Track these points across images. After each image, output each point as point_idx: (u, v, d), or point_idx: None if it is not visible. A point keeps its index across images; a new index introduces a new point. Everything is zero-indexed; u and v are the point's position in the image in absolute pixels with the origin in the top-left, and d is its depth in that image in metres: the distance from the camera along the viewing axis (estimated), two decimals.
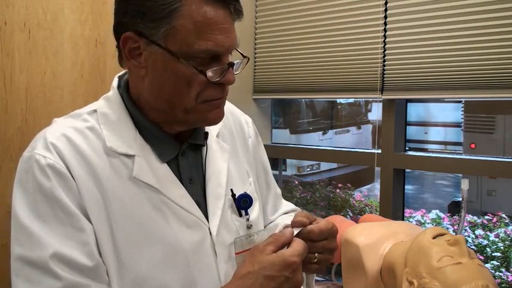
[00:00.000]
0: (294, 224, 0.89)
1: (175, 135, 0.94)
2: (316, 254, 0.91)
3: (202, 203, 0.94)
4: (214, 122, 0.92)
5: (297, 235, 0.87)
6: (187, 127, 0.93)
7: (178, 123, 0.91)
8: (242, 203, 0.98)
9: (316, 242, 0.91)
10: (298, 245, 0.84)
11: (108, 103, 0.93)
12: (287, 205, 1.25)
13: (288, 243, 0.84)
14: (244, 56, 0.91)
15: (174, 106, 0.87)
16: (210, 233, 0.92)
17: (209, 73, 0.84)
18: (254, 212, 1.02)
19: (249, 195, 0.98)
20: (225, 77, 0.85)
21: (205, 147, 0.98)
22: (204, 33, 0.82)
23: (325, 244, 0.92)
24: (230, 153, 1.03)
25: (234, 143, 1.07)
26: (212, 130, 1.02)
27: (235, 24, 0.88)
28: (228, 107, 1.12)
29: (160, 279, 0.85)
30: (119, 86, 0.94)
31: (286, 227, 0.89)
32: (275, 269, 0.80)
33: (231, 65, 0.86)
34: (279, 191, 1.23)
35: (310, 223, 0.91)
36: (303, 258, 0.83)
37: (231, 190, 0.98)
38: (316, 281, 1.64)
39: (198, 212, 0.91)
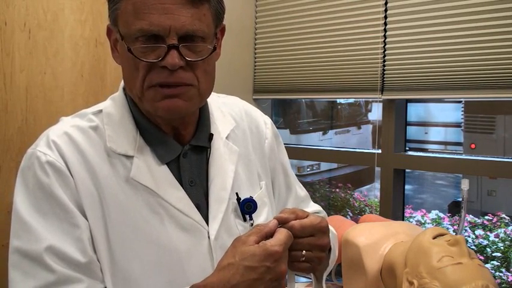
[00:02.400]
0: (275, 220, 0.85)
1: (175, 135, 0.93)
2: (303, 252, 0.87)
3: (203, 206, 0.92)
4: (165, 113, 0.85)
5: None
6: (164, 121, 0.91)
7: (155, 116, 0.90)
8: (246, 207, 0.95)
9: (300, 239, 0.85)
10: (281, 234, 0.80)
11: (114, 103, 0.94)
12: (312, 207, 1.19)
13: (271, 234, 0.81)
14: (214, 47, 0.86)
15: (132, 93, 0.87)
16: (209, 237, 0.90)
17: (136, 52, 0.81)
18: (261, 217, 0.99)
19: (253, 200, 0.96)
20: (164, 59, 0.80)
21: (209, 149, 0.96)
22: (140, 13, 0.80)
23: (312, 241, 0.87)
24: (240, 155, 1.01)
25: (246, 144, 1.04)
26: (221, 132, 0.99)
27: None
28: (245, 107, 1.10)
29: (153, 281, 0.85)
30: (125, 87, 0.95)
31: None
32: (256, 260, 0.77)
33: (174, 47, 0.80)
34: (303, 193, 1.18)
35: (296, 219, 0.86)
36: (286, 248, 0.80)
37: (236, 194, 0.96)
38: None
39: (197, 215, 0.90)
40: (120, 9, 0.83)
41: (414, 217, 3.85)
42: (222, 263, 0.79)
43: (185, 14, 0.80)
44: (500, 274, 3.22)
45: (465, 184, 1.75)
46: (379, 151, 2.09)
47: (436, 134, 5.91)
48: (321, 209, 1.20)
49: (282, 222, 0.85)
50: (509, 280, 3.16)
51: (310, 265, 0.88)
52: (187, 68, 0.83)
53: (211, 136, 0.97)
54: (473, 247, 3.40)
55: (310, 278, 1.65)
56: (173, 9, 0.80)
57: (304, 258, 0.87)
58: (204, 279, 0.79)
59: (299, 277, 1.90)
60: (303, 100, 4.55)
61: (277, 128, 1.16)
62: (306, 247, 0.87)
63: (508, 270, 3.27)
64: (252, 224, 0.95)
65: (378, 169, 2.11)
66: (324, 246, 0.89)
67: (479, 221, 3.75)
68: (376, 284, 1.25)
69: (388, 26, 1.97)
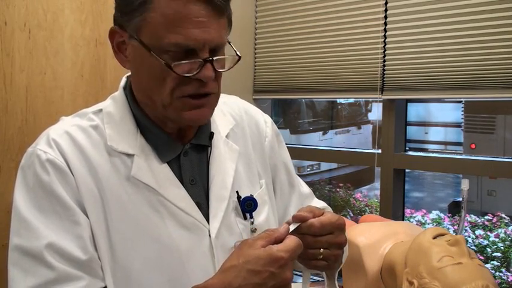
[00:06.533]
0: (293, 219, 0.84)
1: (177, 135, 0.93)
2: (321, 250, 0.85)
3: (204, 204, 0.92)
4: (192, 122, 0.88)
5: (297, 229, 0.83)
6: (180, 125, 0.91)
7: (168, 120, 0.90)
8: (246, 206, 0.95)
9: (319, 237, 0.85)
10: (290, 241, 0.78)
11: (114, 102, 0.94)
12: (317, 203, 1.17)
13: (281, 239, 0.79)
14: (237, 54, 0.87)
15: (153, 101, 0.87)
16: (210, 236, 0.90)
17: (177, 68, 0.81)
18: (261, 215, 0.99)
19: (253, 199, 0.95)
20: (200, 72, 0.82)
21: (210, 147, 0.96)
22: (174, 26, 0.79)
23: (331, 238, 0.86)
24: (240, 154, 1.00)
25: (246, 143, 1.04)
26: (221, 130, 1.00)
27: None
28: (245, 106, 1.11)
29: (153, 279, 0.85)
30: (126, 87, 0.95)
31: (287, 222, 0.84)
32: (260, 264, 0.74)
33: (209, 60, 0.82)
34: (306, 190, 1.18)
35: (314, 217, 0.85)
36: (294, 255, 0.78)
37: (237, 192, 0.96)
38: (316, 281, 1.64)
39: (198, 214, 0.90)
40: (147, 19, 0.81)
41: (415, 217, 3.86)
42: (225, 265, 0.78)
43: (214, 27, 0.82)
44: (500, 274, 3.23)
45: (465, 184, 1.75)
46: (379, 151, 2.09)
47: (436, 134, 5.92)
48: (326, 204, 1.19)
49: (300, 221, 0.84)
50: (509, 280, 3.17)
51: (327, 263, 0.88)
52: (214, 78, 0.85)
53: (211, 135, 0.97)
54: (473, 247, 3.40)
55: (313, 279, 1.65)
56: (206, 22, 0.80)
57: (321, 256, 0.86)
58: (205, 280, 0.78)
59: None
60: (303, 100, 4.55)
61: (277, 128, 1.16)
62: (324, 245, 0.86)
63: (508, 270, 3.28)
64: (252, 223, 0.95)
65: (378, 169, 2.11)
66: (342, 244, 0.88)
67: (479, 221, 3.75)
68: (376, 284, 1.25)
69: (388, 26, 1.97)
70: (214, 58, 0.82)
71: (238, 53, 0.87)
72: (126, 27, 0.85)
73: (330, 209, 1.18)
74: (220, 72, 0.86)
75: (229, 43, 0.89)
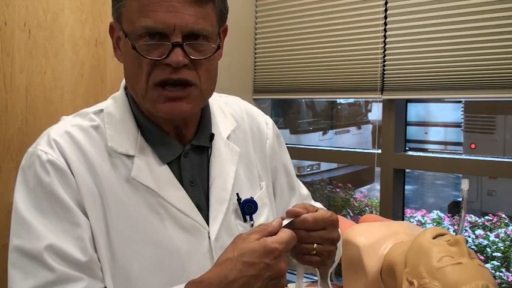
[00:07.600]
0: (287, 214, 0.85)
1: (175, 134, 0.93)
2: (315, 245, 0.86)
3: (204, 206, 0.92)
4: (168, 115, 0.86)
5: (290, 224, 0.84)
6: (165, 121, 0.91)
7: (156, 116, 0.90)
8: (246, 208, 0.95)
9: (312, 232, 0.86)
10: (284, 233, 0.79)
11: (115, 102, 0.94)
12: (314, 205, 1.19)
13: (275, 233, 0.79)
14: (218, 46, 0.87)
15: (135, 92, 0.87)
16: (209, 237, 0.91)
17: (141, 49, 0.81)
18: (261, 217, 0.99)
19: (254, 201, 0.96)
20: (169, 56, 0.81)
21: (210, 149, 0.96)
22: (146, 10, 0.80)
23: (324, 234, 0.87)
24: (241, 155, 1.00)
25: (247, 145, 1.04)
26: (223, 132, 1.00)
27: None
28: (246, 107, 1.10)
29: (153, 281, 0.85)
30: (126, 86, 0.95)
31: (281, 217, 0.85)
32: (255, 256, 0.75)
33: (179, 44, 0.81)
34: (305, 192, 1.19)
35: (308, 213, 0.86)
36: (288, 247, 0.79)
37: (237, 194, 0.96)
38: (315, 281, 1.64)
39: (197, 216, 0.90)
40: (125, 6, 0.83)
41: (415, 217, 3.85)
42: (220, 258, 0.78)
43: (190, 13, 0.81)
44: (500, 274, 3.22)
45: (465, 184, 1.75)
46: (379, 151, 2.09)
47: (436, 134, 5.91)
48: (322, 206, 1.19)
49: (294, 216, 0.84)
50: (509, 280, 3.16)
51: (320, 259, 0.88)
52: (190, 66, 0.84)
53: (212, 136, 0.97)
54: (473, 247, 3.40)
55: (312, 279, 1.65)
56: (178, 7, 0.80)
57: (315, 252, 0.87)
58: (202, 275, 0.78)
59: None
60: (303, 100, 4.55)
61: (277, 128, 1.15)
62: (318, 240, 0.86)
63: (508, 270, 3.27)
64: (252, 225, 0.95)
65: (378, 169, 2.11)
66: (335, 240, 0.89)
67: (479, 221, 3.75)
68: (376, 284, 1.25)
69: (388, 26, 1.97)
70: (185, 43, 0.81)
71: (219, 44, 0.87)
72: (114, 18, 0.87)
73: (325, 209, 1.19)
74: (199, 61, 0.84)
75: (219, 35, 0.88)
